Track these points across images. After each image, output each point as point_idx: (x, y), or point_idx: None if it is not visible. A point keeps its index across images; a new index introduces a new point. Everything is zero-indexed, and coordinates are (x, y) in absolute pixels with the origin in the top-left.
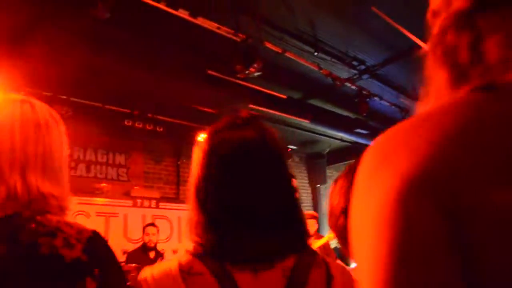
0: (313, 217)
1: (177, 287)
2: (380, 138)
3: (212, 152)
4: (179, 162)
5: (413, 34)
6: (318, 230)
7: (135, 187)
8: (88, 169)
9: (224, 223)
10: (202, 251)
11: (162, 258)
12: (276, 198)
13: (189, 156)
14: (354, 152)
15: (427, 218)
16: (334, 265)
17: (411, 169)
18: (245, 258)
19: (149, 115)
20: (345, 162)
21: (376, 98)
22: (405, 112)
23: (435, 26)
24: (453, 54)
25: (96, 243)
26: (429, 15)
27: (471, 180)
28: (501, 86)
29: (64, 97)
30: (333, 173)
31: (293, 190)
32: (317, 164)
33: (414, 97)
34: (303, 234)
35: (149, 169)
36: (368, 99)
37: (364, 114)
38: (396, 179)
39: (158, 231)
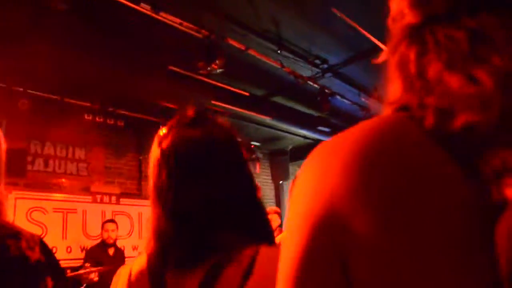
0: (276, 212)
1: (124, 284)
2: (312, 153)
3: (161, 157)
4: (141, 157)
5: (374, 35)
6: (280, 225)
7: (95, 183)
8: (46, 164)
9: (167, 227)
10: (153, 253)
11: (122, 255)
12: (223, 200)
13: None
14: None
15: (323, 258)
16: (263, 260)
17: (316, 202)
18: (179, 261)
19: (110, 109)
20: None
21: (338, 97)
22: (366, 111)
23: (394, 32)
24: (405, 65)
25: (46, 246)
26: (389, 21)
27: (354, 219)
28: (415, 109)
29: (21, 89)
30: (296, 169)
31: (246, 188)
32: (280, 161)
33: (375, 96)
34: (252, 231)
35: (110, 164)
36: (330, 98)
37: (326, 113)
38: (307, 206)
39: (117, 227)
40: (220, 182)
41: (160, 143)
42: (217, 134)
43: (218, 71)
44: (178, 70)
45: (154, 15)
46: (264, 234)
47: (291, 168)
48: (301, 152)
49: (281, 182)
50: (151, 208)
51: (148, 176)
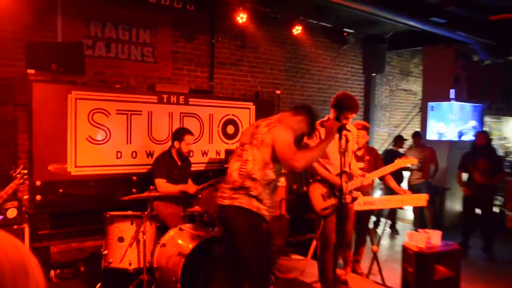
0: (364, 127)
1: None
2: None
3: None
4: (213, 41)
5: None
6: (368, 142)
7: (159, 83)
8: (108, 48)
9: None
10: None
11: (189, 164)
12: None
13: (225, 33)
14: (423, 39)
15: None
16: None
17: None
18: None
19: None
20: (410, 49)
21: None
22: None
23: None
24: None
25: None
26: None
27: None
28: None
29: None
30: (392, 58)
31: None
32: (375, 49)
33: None
34: None
35: (178, 48)
36: None
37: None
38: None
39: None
40: None
41: None
42: None
43: None
44: None
45: None
46: None
47: (387, 56)
48: (402, 40)
49: (373, 74)
50: None
51: None
